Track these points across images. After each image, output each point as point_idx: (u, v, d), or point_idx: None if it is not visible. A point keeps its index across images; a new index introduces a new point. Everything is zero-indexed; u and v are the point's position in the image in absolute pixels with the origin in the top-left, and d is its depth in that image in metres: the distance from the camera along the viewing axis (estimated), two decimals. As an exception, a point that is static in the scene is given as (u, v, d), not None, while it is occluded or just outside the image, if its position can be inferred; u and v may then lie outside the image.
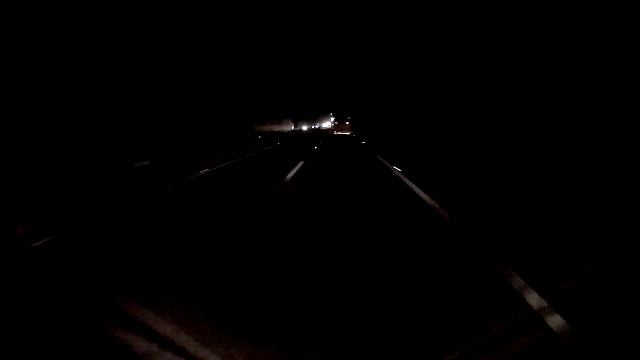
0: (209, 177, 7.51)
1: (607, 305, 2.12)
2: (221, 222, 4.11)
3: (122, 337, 1.82)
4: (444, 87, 16.78)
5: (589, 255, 2.89)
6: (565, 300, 2.15)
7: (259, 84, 34.17)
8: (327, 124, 47.22)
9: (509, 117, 10.72)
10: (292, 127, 33.59)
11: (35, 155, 8.79)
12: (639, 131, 6.43)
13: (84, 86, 11.91)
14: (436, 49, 17.46)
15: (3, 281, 2.56)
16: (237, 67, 27.92)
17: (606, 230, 3.50)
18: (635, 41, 6.89)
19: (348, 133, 25.05)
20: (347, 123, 27.40)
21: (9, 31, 9.74)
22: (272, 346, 1.80)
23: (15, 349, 1.77)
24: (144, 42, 15.45)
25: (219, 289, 2.42)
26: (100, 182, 6.95)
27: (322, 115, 48.92)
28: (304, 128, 40.69)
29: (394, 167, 8.86)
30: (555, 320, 1.96)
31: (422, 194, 5.45)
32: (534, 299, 2.20)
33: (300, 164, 9.69)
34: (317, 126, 46.22)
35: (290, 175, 7.66)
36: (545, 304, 2.14)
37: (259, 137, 22.52)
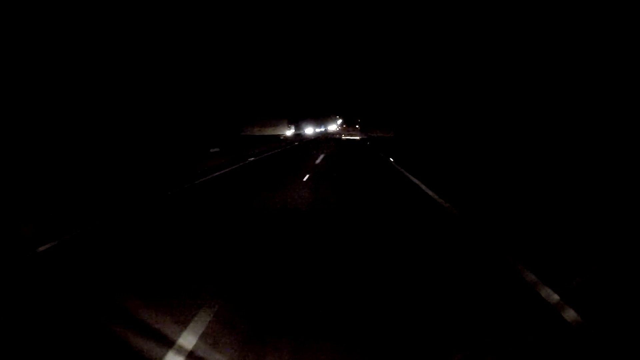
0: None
1: (618, 298, 2.16)
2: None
3: (125, 335, 1.79)
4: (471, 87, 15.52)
5: (596, 252, 2.94)
6: (576, 294, 2.18)
7: (252, 82, 29.49)
8: (333, 127, 46.32)
9: (530, 115, 10.52)
10: (293, 131, 29.00)
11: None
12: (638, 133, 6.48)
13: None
14: (455, 47, 16.77)
15: (8, 284, 2.51)
16: (225, 61, 24.23)
17: (610, 228, 3.53)
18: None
19: (358, 137, 24.86)
20: (357, 126, 26.93)
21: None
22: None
23: (15, 349, 1.75)
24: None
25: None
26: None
27: (328, 117, 47.71)
28: (308, 132, 35.26)
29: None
30: (569, 315, 2.00)
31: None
32: (546, 293, 2.26)
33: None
34: (322, 129, 44.93)
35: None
36: (557, 297, 2.19)
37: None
